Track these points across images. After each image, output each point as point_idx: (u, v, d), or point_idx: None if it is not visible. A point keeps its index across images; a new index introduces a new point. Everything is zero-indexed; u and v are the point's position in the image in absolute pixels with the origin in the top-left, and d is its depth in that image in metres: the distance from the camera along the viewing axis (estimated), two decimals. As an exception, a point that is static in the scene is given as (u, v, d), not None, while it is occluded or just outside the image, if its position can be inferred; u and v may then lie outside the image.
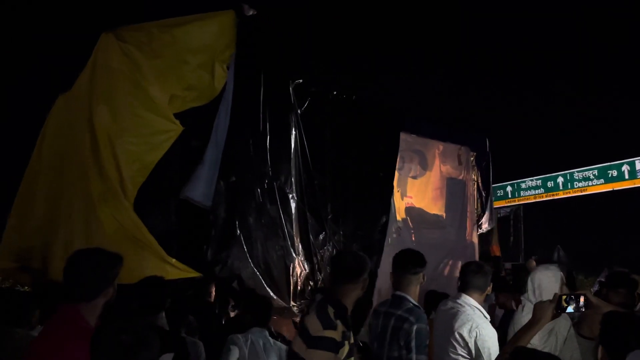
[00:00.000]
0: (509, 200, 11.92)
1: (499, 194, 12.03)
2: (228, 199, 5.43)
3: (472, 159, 9.43)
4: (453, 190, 8.88)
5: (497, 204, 11.78)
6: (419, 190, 8.84)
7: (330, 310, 2.36)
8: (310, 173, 6.77)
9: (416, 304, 3.00)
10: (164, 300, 2.89)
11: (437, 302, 3.51)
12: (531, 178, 11.38)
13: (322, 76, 8.33)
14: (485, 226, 9.52)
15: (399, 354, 2.87)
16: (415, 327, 2.83)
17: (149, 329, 1.69)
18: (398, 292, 3.05)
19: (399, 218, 8.21)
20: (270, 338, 3.21)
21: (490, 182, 9.67)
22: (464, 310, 3.07)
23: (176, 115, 5.42)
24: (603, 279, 10.25)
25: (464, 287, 3.19)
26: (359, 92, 8.32)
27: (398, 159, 8.54)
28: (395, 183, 8.51)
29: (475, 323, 2.96)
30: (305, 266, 6.40)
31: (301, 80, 7.45)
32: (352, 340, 2.45)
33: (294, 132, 6.35)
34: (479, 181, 9.42)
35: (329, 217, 7.13)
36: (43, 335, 2.01)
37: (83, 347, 1.69)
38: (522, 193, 11.54)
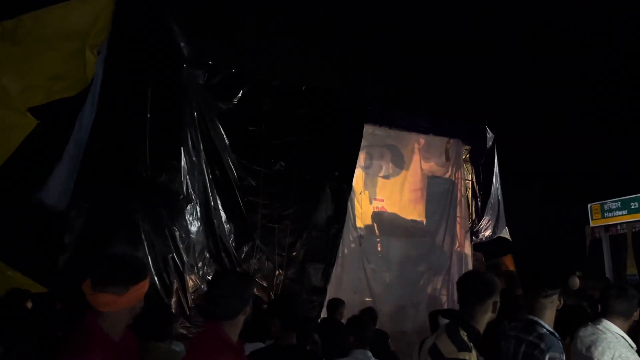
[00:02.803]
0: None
1: (632, 207, 10.46)
2: (89, 202, 4.63)
3: (465, 154, 7.93)
4: (437, 191, 7.46)
5: (633, 217, 10.61)
6: (392, 192, 7.52)
7: (463, 333, 2.40)
8: (227, 173, 5.83)
9: (550, 330, 2.81)
10: (300, 319, 2.97)
11: (574, 326, 3.28)
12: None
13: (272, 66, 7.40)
14: (486, 234, 7.92)
15: None
16: (547, 356, 2.67)
17: None
18: (530, 317, 2.89)
19: (361, 225, 6.97)
20: (373, 359, 3.20)
21: (493, 180, 8.06)
22: (606, 337, 2.93)
23: (35, 108, 4.76)
24: None
25: (605, 312, 3.05)
26: (317, 81, 7.29)
27: (363, 156, 7.35)
28: (361, 184, 7.33)
29: (619, 352, 2.82)
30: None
31: (233, 70, 6.61)
32: None
33: (192, 125, 5.46)
34: (474, 180, 7.87)
35: (260, 224, 6.11)
36: (192, 351, 2.22)
37: None
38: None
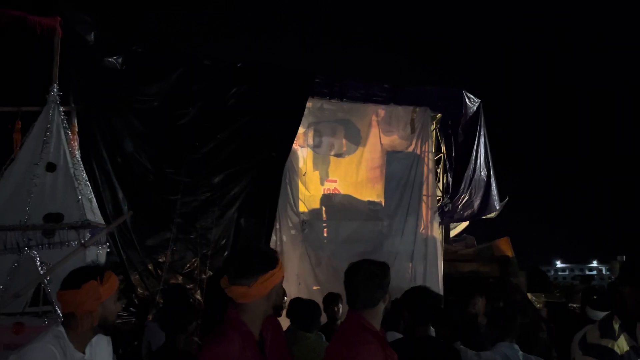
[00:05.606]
0: None
1: None
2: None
3: (434, 122, 6.94)
4: (398, 167, 6.60)
5: None
6: (347, 171, 6.80)
7: (616, 322, 2.33)
8: (133, 161, 5.56)
9: None
10: (433, 311, 3.01)
11: None
12: None
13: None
14: (466, 214, 6.90)
15: None
16: None
17: None
18: None
19: (305, 209, 6.36)
20: (520, 352, 3.11)
21: (479, 152, 6.98)
22: None
23: None
24: None
25: None
26: (257, 57, 6.73)
27: (312, 134, 6.71)
28: (309, 164, 6.73)
29: None
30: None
31: (160, 53, 6.32)
32: None
33: (85, 114, 5.23)
34: (445, 152, 6.85)
35: (178, 212, 5.78)
36: (338, 340, 2.27)
37: (373, 350, 2.10)
38: None
